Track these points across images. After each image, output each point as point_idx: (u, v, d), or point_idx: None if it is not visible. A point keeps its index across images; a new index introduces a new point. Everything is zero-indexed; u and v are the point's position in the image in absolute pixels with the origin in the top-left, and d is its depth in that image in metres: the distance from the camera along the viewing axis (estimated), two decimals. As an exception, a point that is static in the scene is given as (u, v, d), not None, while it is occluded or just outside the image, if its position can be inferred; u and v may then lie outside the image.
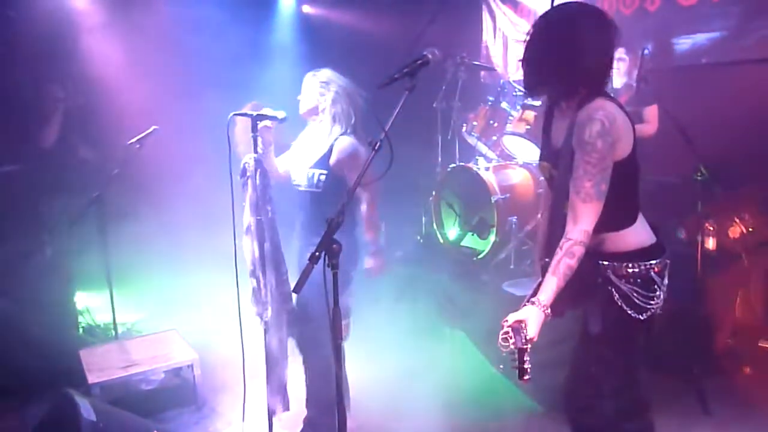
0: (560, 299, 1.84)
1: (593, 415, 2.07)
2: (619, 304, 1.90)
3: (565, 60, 1.84)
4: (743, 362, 3.52)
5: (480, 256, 4.13)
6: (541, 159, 2.11)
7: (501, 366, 2.86)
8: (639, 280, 1.90)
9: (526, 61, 1.93)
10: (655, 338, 2.40)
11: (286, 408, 2.83)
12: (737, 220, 3.87)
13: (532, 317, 1.78)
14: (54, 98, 4.20)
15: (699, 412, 3.08)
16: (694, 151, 3.40)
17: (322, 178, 2.72)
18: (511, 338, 1.73)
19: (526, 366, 1.73)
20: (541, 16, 1.94)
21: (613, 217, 1.88)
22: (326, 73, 2.82)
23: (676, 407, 3.05)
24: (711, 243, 3.74)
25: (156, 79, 4.60)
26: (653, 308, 1.92)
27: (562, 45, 1.85)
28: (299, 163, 2.84)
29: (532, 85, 1.99)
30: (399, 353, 3.54)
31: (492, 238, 4.02)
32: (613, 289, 1.91)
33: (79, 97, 4.37)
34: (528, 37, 1.92)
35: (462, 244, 4.35)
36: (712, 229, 3.74)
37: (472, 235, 4.21)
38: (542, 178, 2.06)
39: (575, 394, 2.15)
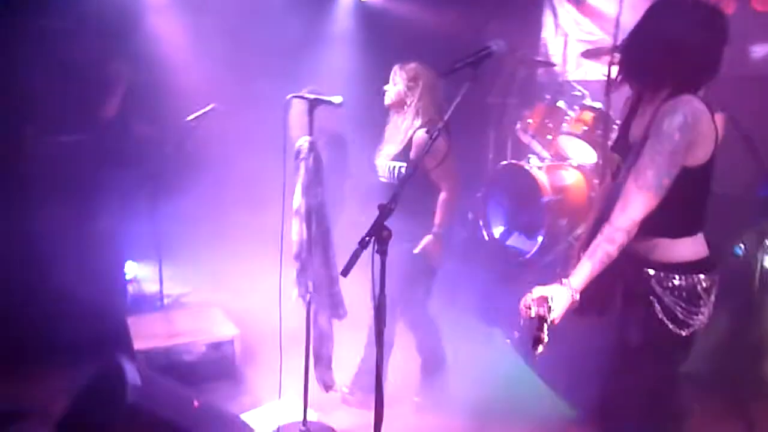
0: (599, 299, 1.79)
1: (628, 428, 2.00)
2: (660, 316, 1.81)
3: (664, 52, 1.76)
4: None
5: (526, 257, 4.07)
6: (612, 150, 2.02)
7: (515, 333, 2.73)
8: (684, 294, 1.81)
9: (626, 48, 1.87)
10: (706, 358, 2.30)
11: (334, 383, 2.88)
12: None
13: (559, 295, 1.71)
14: (118, 73, 4.34)
15: (745, 436, 2.97)
16: (760, 165, 3.26)
17: (402, 170, 2.83)
18: (533, 306, 1.70)
19: (543, 336, 1.68)
20: (650, 5, 1.84)
21: (674, 222, 1.81)
22: (414, 67, 2.90)
23: (723, 429, 2.94)
24: (770, 261, 3.58)
25: (216, 61, 4.71)
26: (696, 325, 1.82)
27: (664, 36, 1.76)
28: (382, 156, 2.97)
29: (627, 73, 1.89)
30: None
31: (540, 239, 3.95)
32: (656, 301, 1.82)
33: (142, 74, 4.50)
34: (635, 26, 1.84)
35: (508, 243, 4.29)
36: (773, 246, 3.57)
37: (519, 235, 4.15)
38: (613, 170, 1.97)
39: (610, 406, 2.08)
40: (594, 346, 3.05)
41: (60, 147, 4.05)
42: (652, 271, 1.83)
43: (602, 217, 1.84)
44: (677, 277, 1.80)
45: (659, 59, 1.77)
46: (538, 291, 1.74)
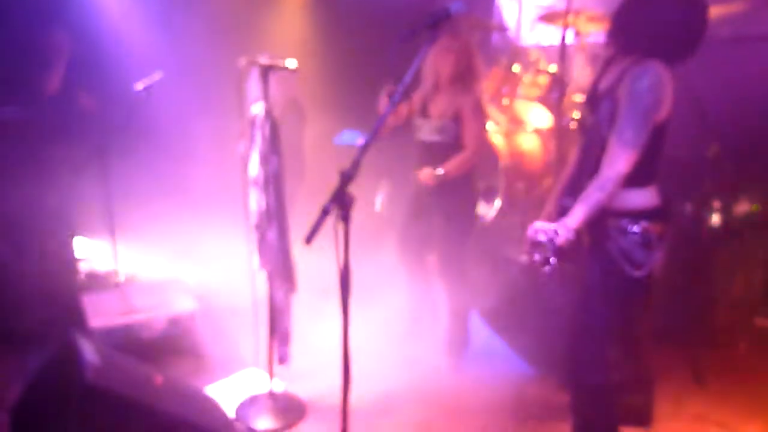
0: (571, 248, 1.91)
1: (595, 376, 2.13)
2: (617, 259, 2.00)
3: (648, 27, 1.94)
4: (739, 337, 3.56)
5: (484, 221, 4.11)
6: (584, 103, 2.20)
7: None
8: (638, 239, 1.99)
9: (616, 18, 2.04)
10: (655, 308, 2.44)
11: (288, 358, 2.86)
12: (743, 198, 3.85)
13: (561, 228, 1.89)
14: (59, 44, 4.11)
15: (693, 384, 3.12)
16: (708, 127, 3.36)
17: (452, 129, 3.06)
18: (541, 233, 1.86)
19: (551, 258, 1.85)
20: None
21: (632, 173, 1.96)
22: (469, 44, 3.08)
23: (671, 378, 3.09)
24: (715, 219, 3.74)
25: (162, 26, 4.50)
26: (650, 266, 2.01)
27: (651, 12, 1.95)
28: (429, 116, 3.14)
29: (616, 41, 2.07)
30: (392, 311, 3.55)
31: (497, 203, 4.00)
32: (614, 245, 2.00)
33: (84, 44, 4.27)
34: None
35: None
36: (717, 205, 3.73)
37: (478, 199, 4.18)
38: (581, 121, 2.19)
39: (577, 353, 2.19)
40: (549, 308, 3.17)
41: (1, 124, 3.84)
42: (611, 219, 2.01)
43: (580, 168, 2.08)
44: (635, 223, 1.99)
45: (644, 34, 1.96)
46: (541, 224, 1.92)
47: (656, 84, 1.89)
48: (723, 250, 3.65)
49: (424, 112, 3.18)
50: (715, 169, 3.45)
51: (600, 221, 2.00)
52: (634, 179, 1.98)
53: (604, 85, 2.07)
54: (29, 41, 3.99)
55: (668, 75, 1.92)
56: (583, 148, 2.12)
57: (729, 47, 4.17)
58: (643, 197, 2.03)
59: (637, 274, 2.00)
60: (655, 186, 2.07)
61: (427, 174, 3.04)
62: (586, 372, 2.16)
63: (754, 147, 3.72)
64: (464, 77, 3.06)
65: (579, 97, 3.95)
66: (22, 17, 3.97)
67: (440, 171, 3.02)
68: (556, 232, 1.86)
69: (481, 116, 3.11)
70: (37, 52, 4.02)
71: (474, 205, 3.31)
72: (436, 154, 3.11)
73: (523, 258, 2.14)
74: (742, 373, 3.26)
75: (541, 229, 1.90)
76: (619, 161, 1.92)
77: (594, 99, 2.09)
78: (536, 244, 1.87)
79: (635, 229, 1.99)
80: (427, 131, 3.15)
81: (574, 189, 2.04)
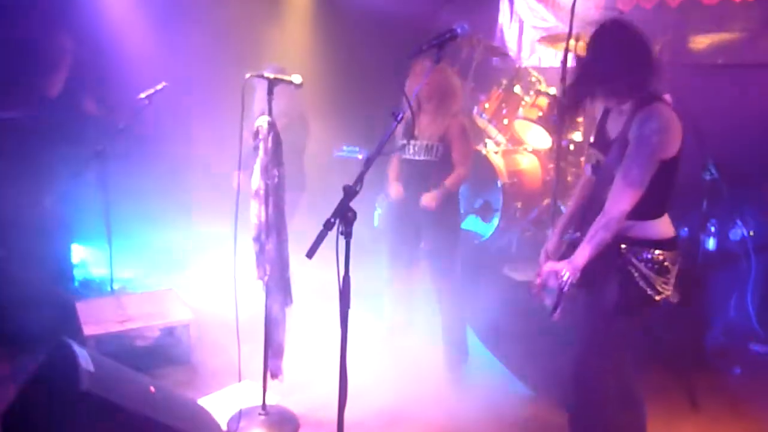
0: (586, 275, 2.05)
1: (596, 392, 2.21)
2: (638, 281, 2.09)
3: (611, 76, 2.05)
4: (733, 362, 3.57)
5: (482, 240, 4.13)
6: (592, 147, 2.31)
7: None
8: (655, 266, 2.09)
9: (578, 83, 2.18)
10: (649, 330, 2.47)
11: (281, 372, 2.85)
12: (739, 222, 3.89)
13: (567, 270, 2.02)
14: (63, 48, 4.13)
15: (687, 408, 3.12)
16: (705, 149, 3.40)
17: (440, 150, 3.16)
18: (551, 278, 2.01)
19: (560, 302, 2.01)
20: (588, 44, 2.17)
21: (645, 207, 2.05)
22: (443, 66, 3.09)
23: (664, 401, 3.08)
24: (711, 243, 3.77)
25: (170, 36, 4.53)
26: (666, 292, 2.11)
27: (603, 64, 2.07)
28: (417, 137, 3.22)
29: (580, 101, 2.21)
30: (387, 325, 3.54)
31: (495, 222, 4.02)
32: (633, 269, 2.09)
33: (88, 49, 4.30)
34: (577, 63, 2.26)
35: (463, 227, 4.34)
36: (713, 229, 3.76)
37: (476, 217, 4.21)
38: (589, 164, 2.30)
39: (585, 368, 2.25)
40: (546, 328, 3.17)
41: (2, 126, 3.85)
42: (627, 246, 2.11)
43: (590, 205, 2.20)
44: (649, 251, 2.09)
45: (610, 84, 2.08)
46: (550, 266, 2.07)
47: (663, 127, 1.99)
48: (718, 274, 3.67)
49: (408, 133, 3.25)
50: (711, 193, 3.48)
51: (617, 249, 2.10)
52: (650, 212, 2.09)
53: (612, 130, 2.19)
54: (33, 45, 4.02)
55: (674, 114, 2.03)
56: (596, 189, 2.22)
57: (725, 74, 4.25)
58: (659, 228, 2.13)
59: (657, 298, 2.10)
60: (667, 216, 2.17)
61: (429, 199, 3.16)
62: (594, 386, 2.22)
63: (751, 172, 3.77)
64: (443, 98, 3.17)
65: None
66: (25, 21, 4.00)
67: (436, 194, 3.15)
68: (564, 280, 2.00)
69: (467, 135, 3.26)
70: (40, 55, 4.05)
71: (459, 219, 3.45)
72: (422, 172, 3.22)
73: (534, 298, 2.23)
74: (736, 397, 3.26)
75: (551, 271, 2.04)
76: (623, 200, 2.01)
77: (603, 143, 2.22)
78: (548, 290, 2.01)
79: (651, 256, 2.09)
80: (413, 151, 3.23)
81: (584, 225, 2.16)
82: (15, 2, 3.96)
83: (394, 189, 3.35)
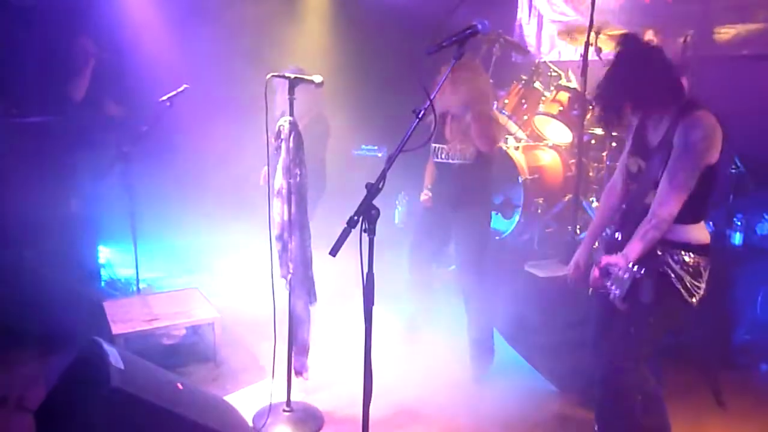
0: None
1: (626, 390, 2.26)
2: (674, 282, 2.17)
3: (641, 89, 2.16)
4: (759, 359, 3.51)
5: (503, 236, 4.12)
6: (632, 154, 2.37)
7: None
8: (690, 269, 2.18)
9: (605, 105, 2.25)
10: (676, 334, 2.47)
11: (306, 370, 2.88)
12: (766, 217, 3.82)
13: (620, 262, 2.09)
14: (86, 52, 4.19)
15: (713, 405, 3.09)
16: (730, 143, 3.34)
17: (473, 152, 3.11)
18: (612, 270, 2.08)
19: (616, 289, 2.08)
20: (615, 56, 2.25)
21: (684, 211, 2.13)
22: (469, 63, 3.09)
23: (690, 398, 3.05)
24: (738, 238, 3.71)
25: (189, 38, 4.58)
26: (699, 295, 2.18)
27: (630, 85, 2.17)
28: (442, 140, 3.20)
29: (614, 120, 2.28)
30: (413, 323, 3.55)
31: (516, 218, 4.01)
32: (670, 270, 2.17)
33: (111, 53, 4.36)
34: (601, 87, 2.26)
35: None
36: (740, 224, 3.70)
37: (496, 214, 4.19)
38: (632, 170, 2.35)
39: (615, 360, 2.29)
40: (570, 323, 3.16)
41: (28, 129, 3.92)
42: (665, 248, 2.18)
43: (631, 209, 2.28)
44: (687, 254, 2.18)
45: (632, 99, 2.19)
46: (607, 259, 2.15)
47: (707, 134, 2.08)
48: (744, 270, 3.61)
49: (439, 138, 3.23)
50: (737, 187, 3.43)
51: (654, 252, 2.17)
52: (689, 216, 2.17)
53: (653, 137, 2.27)
54: (56, 50, 4.08)
55: (716, 122, 2.11)
56: (636, 193, 2.30)
57: (750, 66, 4.17)
58: (696, 233, 2.21)
59: (691, 300, 2.17)
60: (704, 222, 2.25)
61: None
62: (620, 376, 2.26)
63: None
64: (476, 102, 3.09)
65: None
66: (47, 26, 4.06)
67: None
68: (630, 268, 2.05)
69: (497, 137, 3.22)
70: (63, 60, 4.11)
71: (489, 217, 3.40)
72: (456, 175, 3.20)
73: (596, 288, 2.32)
74: (762, 394, 3.21)
75: (614, 263, 2.10)
76: (670, 202, 2.11)
77: (644, 150, 2.29)
78: (614, 278, 2.08)
79: (688, 259, 2.18)
80: (445, 155, 3.21)
81: (622, 226, 2.27)
82: (36, 8, 4.02)
83: (424, 195, 3.36)
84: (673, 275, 2.17)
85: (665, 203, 2.11)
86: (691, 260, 2.18)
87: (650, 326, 2.23)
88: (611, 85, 2.22)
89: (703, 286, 2.21)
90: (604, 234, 2.44)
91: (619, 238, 2.28)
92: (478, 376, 3.29)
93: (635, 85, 2.16)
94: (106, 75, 4.30)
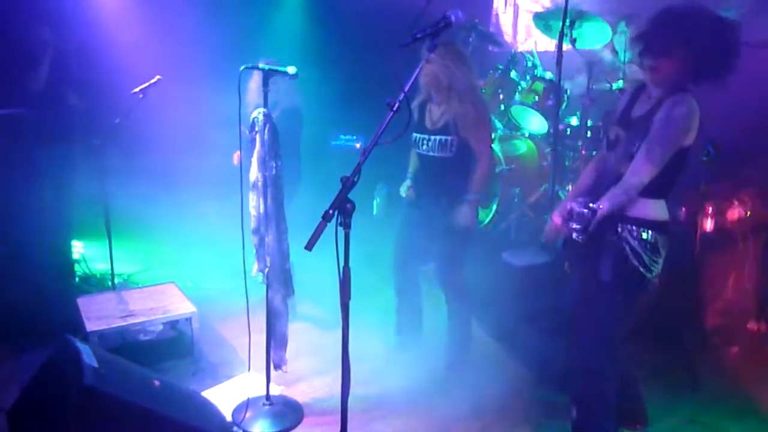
0: (576, 252, 2.22)
1: (601, 361, 2.32)
2: (632, 258, 2.22)
3: (685, 51, 2.11)
4: (732, 342, 3.59)
5: (481, 226, 4.14)
6: (616, 123, 2.40)
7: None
8: (648, 246, 2.22)
9: (652, 36, 2.20)
10: (649, 311, 2.51)
11: (284, 363, 2.87)
12: (737, 203, 3.89)
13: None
14: (42, 41, 4.05)
15: (687, 387, 3.15)
16: (702, 131, 3.39)
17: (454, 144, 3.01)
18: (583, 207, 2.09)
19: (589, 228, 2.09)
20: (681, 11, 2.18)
21: (650, 186, 2.17)
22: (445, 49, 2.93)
23: (666, 380, 3.12)
24: (709, 224, 3.78)
25: (162, 26, 4.48)
26: (656, 272, 2.24)
27: (687, 37, 2.12)
28: (424, 130, 3.10)
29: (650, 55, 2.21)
30: (392, 315, 3.57)
31: (494, 208, 4.03)
32: (627, 247, 2.22)
33: (71, 41, 4.22)
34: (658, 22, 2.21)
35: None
36: (711, 210, 3.76)
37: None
38: (610, 138, 2.38)
39: (584, 342, 2.37)
40: (546, 310, 3.19)
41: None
42: (623, 225, 2.23)
43: (605, 178, 2.31)
44: (645, 231, 2.22)
45: (679, 55, 2.13)
46: (571, 204, 2.15)
47: (690, 114, 2.12)
48: (716, 255, 3.68)
49: (421, 127, 3.13)
50: (708, 174, 3.48)
51: (614, 226, 2.22)
52: (652, 191, 2.20)
53: (639, 112, 2.29)
54: (11, 40, 3.94)
55: (697, 105, 2.15)
56: (613, 162, 2.32)
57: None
58: (656, 209, 2.25)
59: (648, 276, 2.22)
60: (665, 200, 2.28)
61: (464, 218, 3.05)
62: (592, 358, 2.33)
63: (748, 152, 3.76)
64: (451, 87, 2.98)
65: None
66: (2, 16, 3.92)
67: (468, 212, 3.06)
68: (595, 207, 2.09)
69: (481, 119, 3.04)
70: (20, 50, 3.97)
71: (475, 211, 3.26)
72: (438, 170, 3.09)
73: (552, 230, 2.39)
74: (735, 376, 3.29)
75: (579, 204, 2.12)
76: (642, 173, 2.15)
77: (626, 121, 2.32)
78: (576, 215, 2.10)
79: (646, 236, 2.22)
80: (427, 147, 3.09)
81: (596, 195, 2.25)
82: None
83: (404, 188, 3.25)
84: (630, 252, 2.21)
85: (637, 173, 2.15)
86: (650, 237, 2.22)
87: (616, 306, 2.28)
88: (668, 27, 2.16)
89: (660, 262, 2.25)
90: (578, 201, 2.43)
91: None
92: (454, 364, 3.28)
93: (688, 45, 2.10)
94: (66, 65, 4.16)
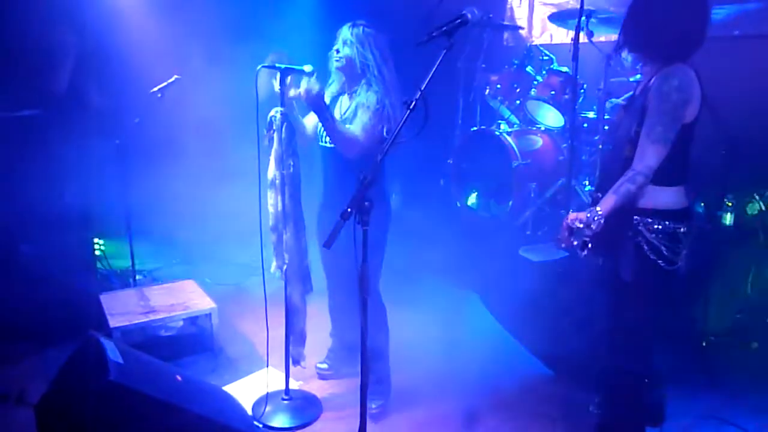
0: (604, 243, 2.10)
1: (637, 367, 2.27)
2: (649, 254, 2.11)
3: (657, 30, 2.07)
4: (751, 338, 3.56)
5: (497, 222, 4.13)
6: (620, 108, 2.37)
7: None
8: (667, 237, 2.11)
9: (625, 26, 2.17)
10: (667, 307, 2.50)
11: (303, 359, 2.91)
12: (757, 197, 3.84)
13: (591, 215, 2.05)
14: (64, 42, 4.11)
15: (706, 383, 3.14)
16: (720, 125, 3.36)
17: None
18: (576, 221, 2.05)
19: (588, 241, 2.05)
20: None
21: (661, 172, 2.07)
22: (361, 28, 2.78)
23: (684, 376, 3.10)
24: (729, 218, 3.74)
25: (177, 26, 4.52)
26: (679, 262, 2.13)
27: (655, 16, 2.08)
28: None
29: (630, 45, 2.20)
30: (412, 314, 3.59)
31: (510, 203, 4.02)
32: (644, 242, 2.12)
33: (93, 42, 4.28)
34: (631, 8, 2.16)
35: (478, 209, 4.35)
36: (731, 204, 3.73)
37: (490, 199, 4.21)
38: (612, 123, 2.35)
39: (618, 346, 2.31)
40: (564, 307, 3.19)
41: (11, 123, 3.88)
42: (638, 218, 2.13)
43: (608, 168, 2.25)
44: (662, 223, 2.11)
45: (654, 36, 2.09)
46: (575, 214, 2.10)
47: (683, 84, 2.01)
48: (736, 250, 3.65)
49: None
50: (728, 168, 3.45)
51: (629, 219, 2.13)
52: (664, 178, 2.10)
53: (637, 89, 2.23)
54: (34, 42, 4.01)
55: (694, 76, 2.04)
56: (614, 146, 2.27)
57: (741, 46, 4.16)
58: (671, 197, 2.13)
59: (669, 268, 2.12)
60: (683, 187, 2.17)
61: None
62: (623, 358, 2.27)
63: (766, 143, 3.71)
64: (359, 77, 2.74)
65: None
66: (24, 18, 3.98)
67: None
68: (591, 219, 2.02)
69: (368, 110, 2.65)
70: (44, 52, 4.04)
71: (385, 217, 2.88)
72: (334, 160, 2.79)
73: (560, 245, 2.28)
74: (754, 372, 3.26)
75: (576, 217, 2.06)
76: (648, 156, 2.03)
77: (628, 104, 2.27)
78: (574, 230, 2.05)
79: (662, 227, 2.11)
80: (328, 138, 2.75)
81: (603, 185, 2.18)
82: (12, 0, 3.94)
83: None
84: (648, 248, 2.11)
85: (643, 157, 2.04)
86: (668, 228, 2.11)
87: (641, 305, 2.21)
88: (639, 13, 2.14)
89: (684, 250, 2.13)
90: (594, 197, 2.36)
91: (600, 197, 2.19)
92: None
93: (648, 22, 2.09)
94: (87, 66, 4.22)
